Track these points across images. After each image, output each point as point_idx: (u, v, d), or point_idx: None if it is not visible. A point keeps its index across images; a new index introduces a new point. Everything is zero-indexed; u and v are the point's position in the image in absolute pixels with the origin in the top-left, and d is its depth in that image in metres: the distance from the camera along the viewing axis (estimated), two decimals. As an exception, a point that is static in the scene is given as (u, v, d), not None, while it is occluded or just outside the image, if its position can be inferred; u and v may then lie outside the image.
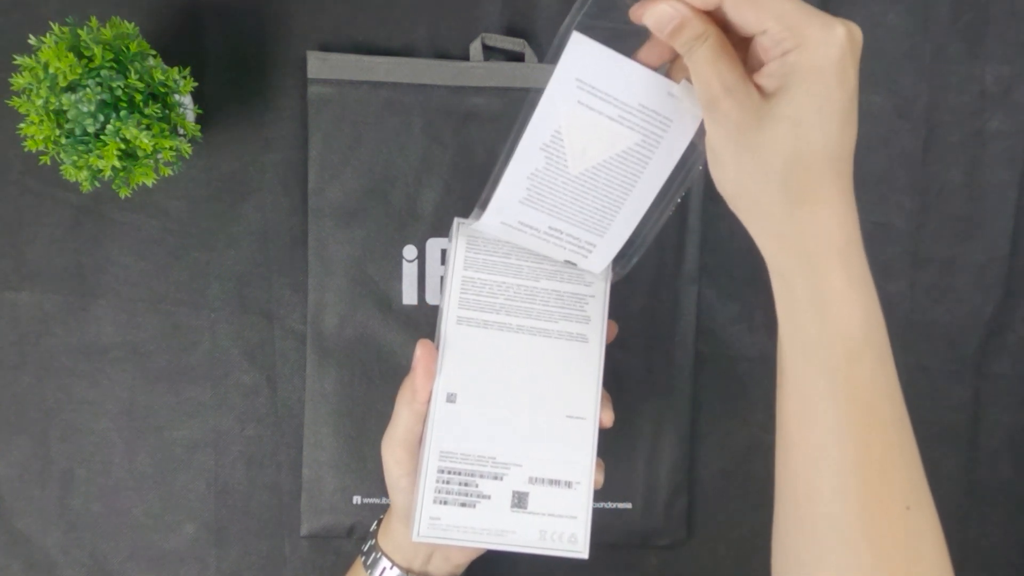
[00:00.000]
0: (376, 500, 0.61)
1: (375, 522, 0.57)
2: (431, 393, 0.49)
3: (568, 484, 0.50)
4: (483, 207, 0.48)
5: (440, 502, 0.48)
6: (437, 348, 0.49)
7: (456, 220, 0.51)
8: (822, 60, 0.38)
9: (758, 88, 0.39)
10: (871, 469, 0.41)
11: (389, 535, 0.54)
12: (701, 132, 0.45)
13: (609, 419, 0.50)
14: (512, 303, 0.50)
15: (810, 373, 0.42)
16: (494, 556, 0.53)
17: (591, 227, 0.49)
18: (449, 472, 0.48)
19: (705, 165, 0.43)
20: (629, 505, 0.62)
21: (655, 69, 0.44)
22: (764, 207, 0.41)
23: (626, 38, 0.43)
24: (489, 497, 0.49)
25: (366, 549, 0.55)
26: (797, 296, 0.41)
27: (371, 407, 0.61)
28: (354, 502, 0.61)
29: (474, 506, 0.49)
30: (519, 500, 0.49)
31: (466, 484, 0.49)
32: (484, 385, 0.49)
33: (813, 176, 0.39)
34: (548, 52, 0.44)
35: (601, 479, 0.51)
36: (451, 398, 0.49)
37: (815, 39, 0.38)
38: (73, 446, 0.62)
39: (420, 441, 0.50)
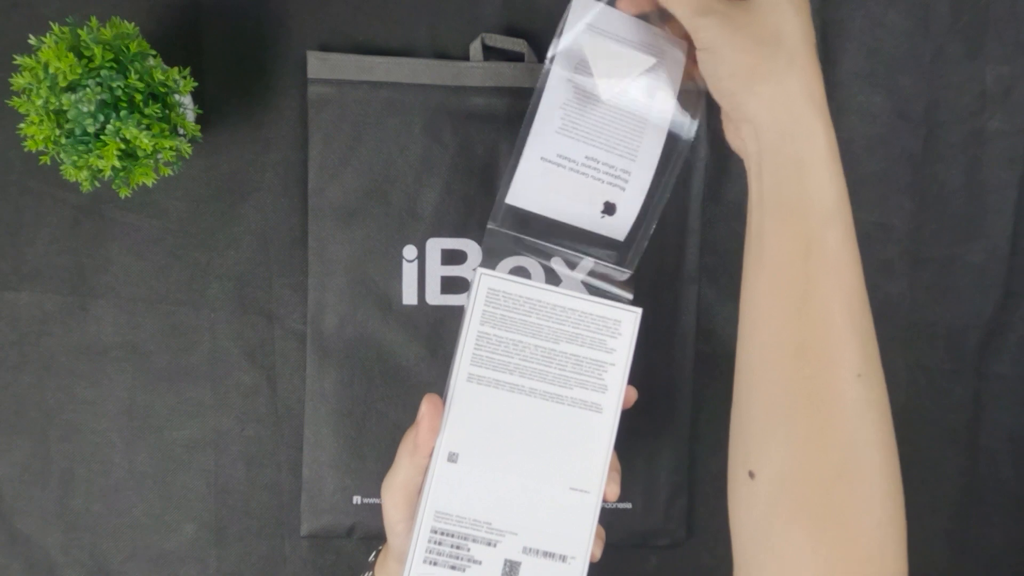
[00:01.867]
0: (376, 500, 0.61)
1: (373, 553, 0.56)
2: (433, 449, 0.48)
3: (563, 558, 0.48)
4: (517, 159, 0.51)
5: (430, 563, 0.47)
6: (444, 402, 0.48)
7: (479, 270, 0.49)
8: None
9: None
10: (831, 336, 0.44)
11: (386, 571, 0.53)
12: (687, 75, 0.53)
13: (614, 494, 0.49)
14: (527, 364, 0.49)
15: (786, 236, 0.45)
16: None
17: (623, 151, 0.52)
18: (442, 533, 0.47)
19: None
20: (629, 505, 0.62)
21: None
22: (761, 74, 0.45)
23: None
24: (480, 563, 0.48)
25: None
26: (784, 157, 0.45)
27: (371, 407, 0.61)
28: (354, 502, 0.61)
29: (464, 570, 0.47)
30: (511, 569, 0.48)
31: (458, 547, 0.47)
32: (488, 447, 0.48)
33: (798, 44, 0.45)
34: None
35: (599, 552, 0.50)
36: (452, 457, 0.47)
37: None
38: (73, 446, 0.62)
39: (419, 491, 0.49)
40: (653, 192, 0.54)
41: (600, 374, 0.50)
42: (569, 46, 0.51)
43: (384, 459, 0.61)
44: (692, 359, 0.62)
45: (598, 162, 0.52)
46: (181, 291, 0.62)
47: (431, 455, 0.48)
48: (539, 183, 0.52)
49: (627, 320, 0.50)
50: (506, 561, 0.48)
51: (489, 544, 0.48)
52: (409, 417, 0.61)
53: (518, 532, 0.48)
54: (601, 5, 0.51)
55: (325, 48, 0.61)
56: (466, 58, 0.61)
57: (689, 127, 0.54)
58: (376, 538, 0.61)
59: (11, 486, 0.62)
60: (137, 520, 0.62)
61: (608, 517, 0.62)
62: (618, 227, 0.54)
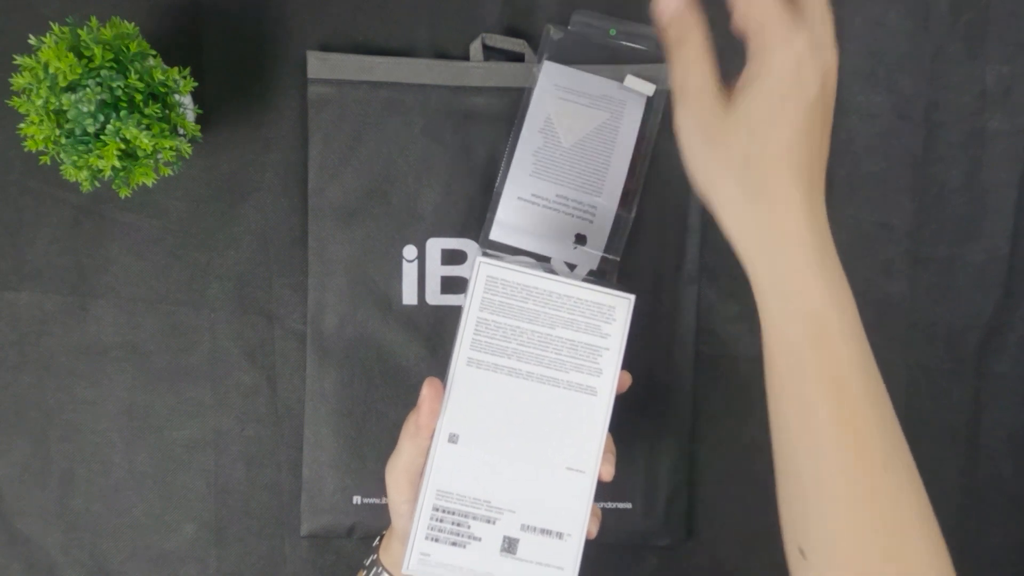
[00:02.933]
0: (376, 500, 0.61)
1: (377, 538, 0.57)
2: (434, 430, 0.49)
3: (559, 535, 0.50)
4: (496, 201, 0.56)
5: (432, 539, 0.48)
6: (445, 386, 0.49)
7: (478, 259, 0.50)
8: (776, 71, 0.41)
9: (731, 89, 0.43)
10: (844, 437, 0.43)
11: (390, 552, 0.54)
12: (649, 110, 0.60)
13: (609, 474, 0.51)
14: (525, 349, 0.50)
15: (777, 352, 0.45)
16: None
17: (589, 189, 0.59)
18: (443, 511, 0.49)
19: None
20: (629, 505, 0.62)
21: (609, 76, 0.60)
22: (726, 197, 0.43)
23: (587, 49, 0.61)
24: (480, 539, 0.49)
25: (368, 563, 0.55)
26: (760, 278, 0.44)
27: (371, 407, 0.61)
28: (354, 502, 0.61)
29: (464, 546, 0.49)
30: (509, 545, 0.49)
31: (459, 524, 0.49)
32: (487, 429, 0.49)
33: (768, 177, 0.42)
34: (531, 77, 0.61)
35: (595, 530, 0.51)
36: (453, 439, 0.49)
37: (773, 47, 0.41)
38: (73, 446, 0.62)
39: (421, 472, 0.50)
40: (619, 221, 0.59)
41: (595, 358, 0.51)
42: (538, 104, 0.59)
43: (384, 459, 0.61)
44: (692, 359, 0.62)
45: (568, 199, 0.59)
46: (181, 291, 0.62)
47: (432, 437, 0.49)
48: (517, 219, 0.58)
49: (621, 306, 0.51)
50: (505, 538, 0.49)
51: (488, 521, 0.49)
52: (409, 417, 0.61)
53: (516, 510, 0.49)
54: (567, 68, 0.60)
55: (325, 48, 0.61)
56: (466, 58, 0.61)
57: (644, 166, 0.60)
58: (376, 538, 0.61)
59: (11, 486, 0.62)
60: (137, 520, 0.62)
61: (608, 517, 0.62)
62: (588, 257, 0.59)
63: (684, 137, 0.44)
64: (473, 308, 0.50)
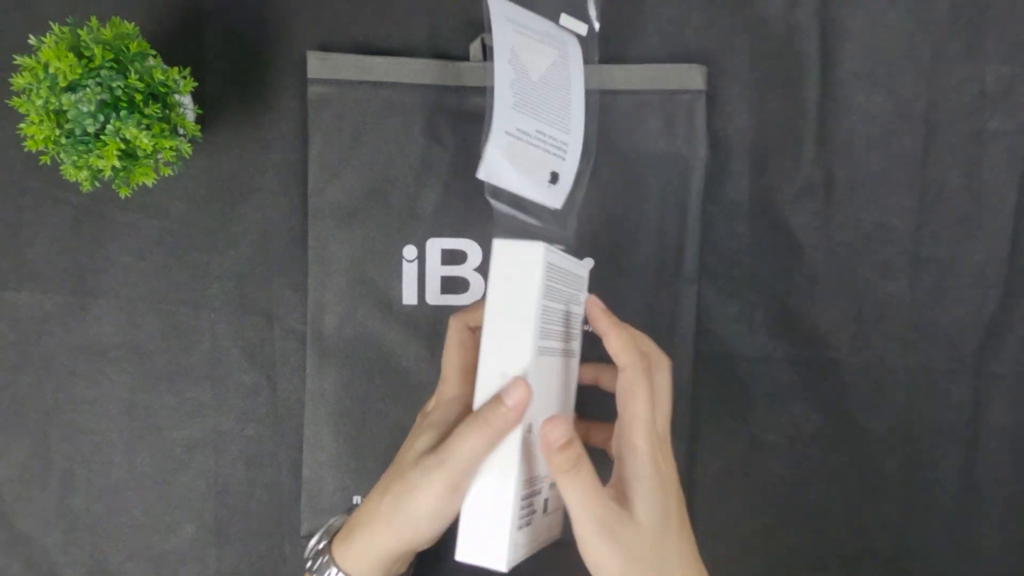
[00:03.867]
0: (376, 500, 0.61)
1: (316, 538, 0.53)
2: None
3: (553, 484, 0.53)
4: (487, 135, 0.55)
5: (518, 528, 0.49)
6: (457, 352, 0.51)
7: (538, 244, 0.48)
8: (649, 475, 0.48)
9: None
10: None
11: (351, 551, 0.50)
12: (585, 49, 0.60)
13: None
14: (554, 328, 0.51)
15: None
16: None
17: (561, 125, 0.58)
18: (523, 499, 0.49)
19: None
20: (629, 505, 0.62)
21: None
22: None
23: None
24: (535, 511, 0.51)
25: (315, 567, 0.51)
26: None
27: (371, 407, 0.61)
28: (354, 502, 0.61)
29: (530, 523, 0.50)
30: (544, 506, 0.52)
31: (530, 505, 0.50)
32: (543, 410, 0.50)
33: (682, 566, 0.48)
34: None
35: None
36: (529, 429, 0.49)
37: (636, 452, 0.48)
38: (73, 446, 0.62)
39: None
40: (581, 161, 0.59)
41: (577, 324, 0.54)
42: (500, 35, 0.57)
43: (384, 459, 0.61)
44: (692, 359, 0.62)
45: (545, 135, 0.57)
46: (181, 291, 0.62)
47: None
48: (505, 156, 0.56)
49: (586, 274, 0.55)
50: (545, 500, 0.52)
51: (539, 493, 0.51)
52: (409, 417, 0.61)
53: (546, 474, 0.52)
54: (508, 3, 0.58)
55: (325, 48, 0.61)
56: (466, 58, 0.61)
57: (596, 102, 0.60)
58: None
59: (11, 486, 0.62)
60: (137, 520, 0.62)
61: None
62: (557, 196, 0.58)
63: (586, 538, 0.47)
64: (534, 296, 0.48)
